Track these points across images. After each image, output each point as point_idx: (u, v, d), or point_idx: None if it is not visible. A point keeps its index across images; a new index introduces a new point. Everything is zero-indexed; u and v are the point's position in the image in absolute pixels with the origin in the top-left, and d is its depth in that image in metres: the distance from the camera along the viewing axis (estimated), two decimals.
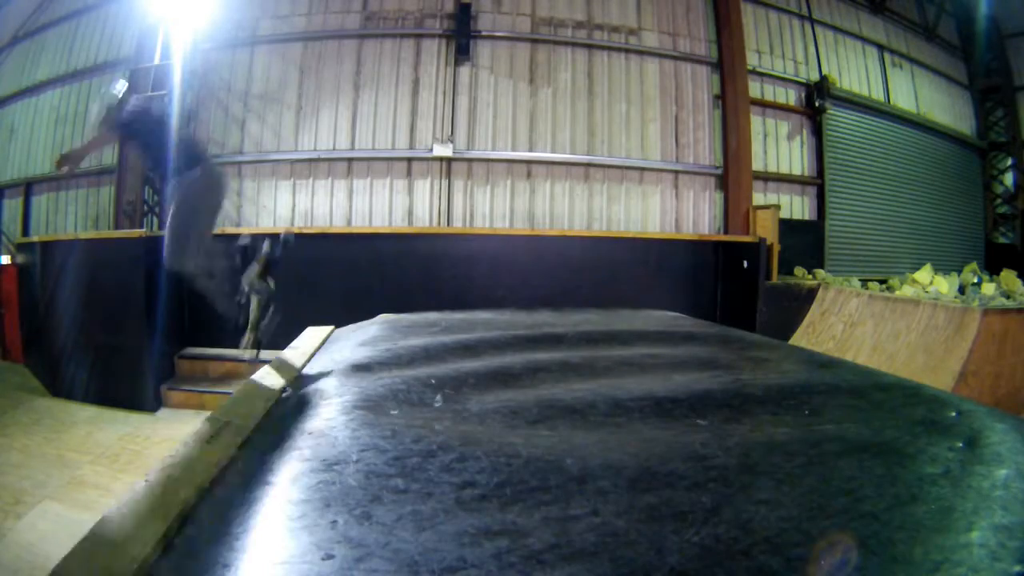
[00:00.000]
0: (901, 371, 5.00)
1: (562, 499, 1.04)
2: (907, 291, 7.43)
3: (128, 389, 6.66)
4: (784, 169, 9.70)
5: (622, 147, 8.87)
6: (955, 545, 0.89)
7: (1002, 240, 11.68)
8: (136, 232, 7.11)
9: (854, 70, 10.48)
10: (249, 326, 2.71)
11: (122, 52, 8.80)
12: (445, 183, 8.52)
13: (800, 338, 7.19)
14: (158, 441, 5.66)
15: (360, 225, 8.33)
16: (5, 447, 5.39)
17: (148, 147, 2.51)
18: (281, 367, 2.25)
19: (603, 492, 1.06)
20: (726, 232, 8.93)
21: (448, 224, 8.43)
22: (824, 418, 1.46)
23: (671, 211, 9.02)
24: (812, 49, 10.01)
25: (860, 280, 8.55)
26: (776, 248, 8.28)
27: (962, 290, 7.92)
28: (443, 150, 8.35)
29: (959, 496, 1.03)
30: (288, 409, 1.66)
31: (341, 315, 3.67)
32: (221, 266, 2.60)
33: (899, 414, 1.48)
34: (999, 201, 11.80)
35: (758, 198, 9.12)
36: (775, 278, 8.16)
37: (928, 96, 11.29)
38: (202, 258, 2.46)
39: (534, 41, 8.78)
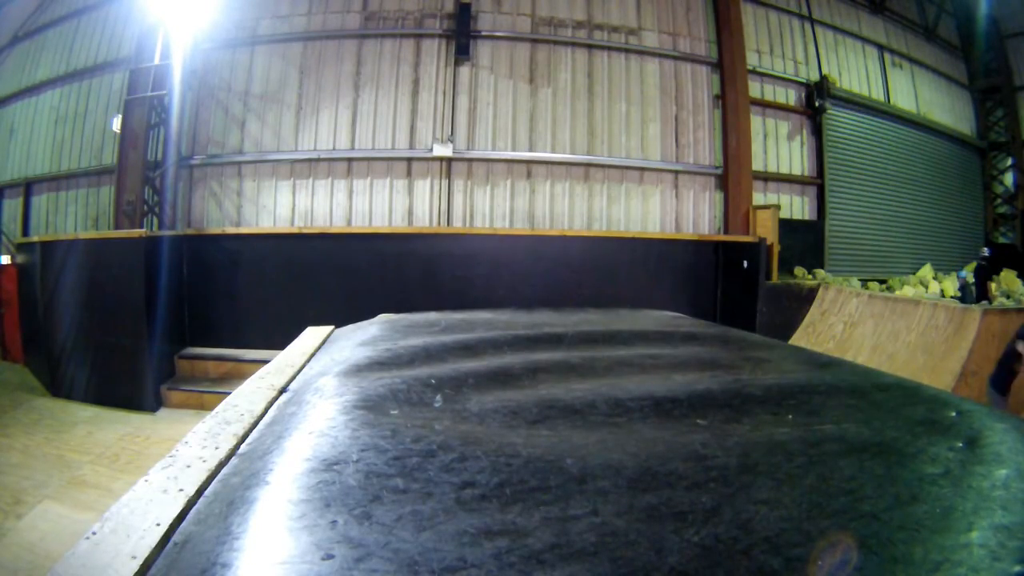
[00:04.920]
0: (901, 371, 5.00)
1: (562, 499, 1.04)
2: (907, 291, 7.43)
3: (128, 389, 6.66)
4: (784, 169, 9.70)
5: (622, 147, 8.87)
6: (955, 545, 0.89)
7: (1002, 240, 11.68)
8: (136, 232, 7.11)
9: (854, 70, 10.48)
10: None
11: (122, 52, 8.81)
12: (445, 183, 8.52)
13: (800, 338, 7.20)
14: (158, 441, 5.67)
15: (360, 225, 8.34)
16: (5, 447, 5.39)
17: None
18: (281, 367, 2.25)
19: (603, 492, 1.06)
20: (726, 232, 8.93)
21: (448, 224, 8.43)
22: (824, 418, 1.46)
23: (671, 211, 9.03)
24: (812, 49, 10.02)
25: (860, 280, 8.56)
26: (776, 248, 8.28)
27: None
28: (443, 150, 8.35)
29: (959, 496, 1.03)
30: (288, 409, 1.66)
31: (341, 315, 3.67)
32: None
33: (899, 414, 1.47)
34: (999, 201, 11.80)
35: (758, 198, 9.12)
36: (775, 278, 8.16)
37: (928, 96, 11.29)
38: None
39: (534, 41, 8.78)
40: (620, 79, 8.93)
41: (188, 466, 1.29)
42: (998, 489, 1.04)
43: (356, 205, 8.45)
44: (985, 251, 8.12)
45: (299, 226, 8.31)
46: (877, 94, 10.67)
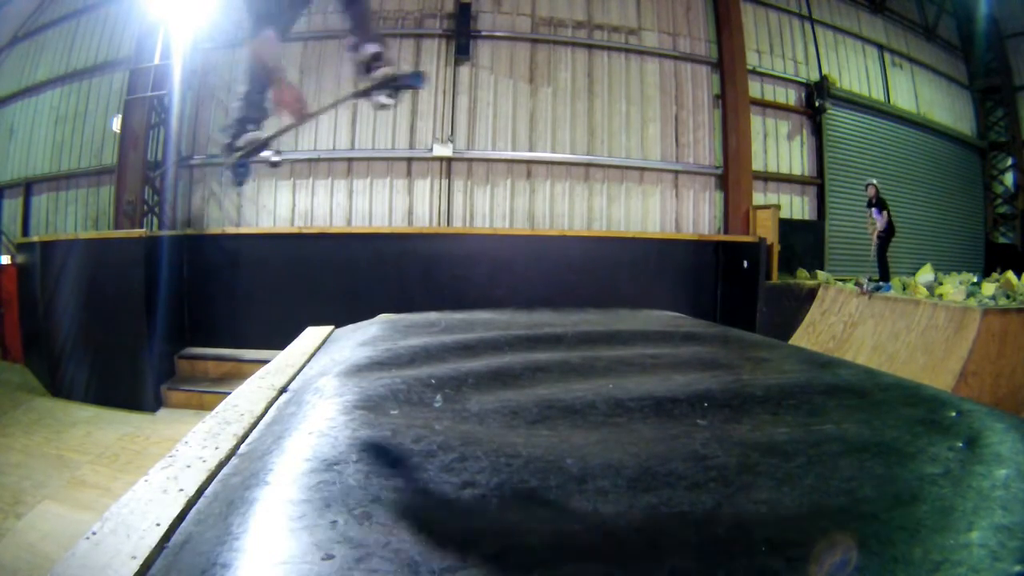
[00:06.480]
0: (901, 371, 5.00)
1: (562, 499, 1.04)
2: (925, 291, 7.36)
3: (128, 389, 6.66)
4: (784, 169, 9.69)
5: (622, 147, 8.87)
6: (955, 545, 0.89)
7: (1002, 240, 11.68)
8: (136, 232, 7.11)
9: (854, 70, 10.48)
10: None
11: (122, 52, 8.80)
12: (445, 183, 8.52)
13: (800, 338, 7.19)
14: (158, 441, 5.66)
15: (360, 225, 8.33)
16: (5, 447, 5.39)
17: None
18: (281, 367, 2.25)
19: (603, 492, 1.06)
20: (726, 232, 8.93)
21: (448, 224, 8.43)
22: (824, 418, 1.46)
23: (671, 211, 9.02)
24: (812, 49, 10.01)
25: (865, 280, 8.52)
26: (776, 248, 8.28)
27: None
28: (443, 150, 8.35)
29: (959, 496, 1.03)
30: (288, 409, 1.66)
31: (341, 315, 3.67)
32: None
33: (899, 414, 1.48)
34: (999, 201, 11.79)
35: (758, 198, 9.11)
36: (775, 278, 8.15)
37: (928, 96, 11.28)
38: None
39: (534, 41, 8.78)
40: (620, 79, 8.92)
41: (188, 466, 1.29)
42: (998, 489, 1.04)
43: (356, 205, 8.45)
44: (873, 181, 7.64)
45: (299, 226, 8.30)
46: (877, 94, 10.67)
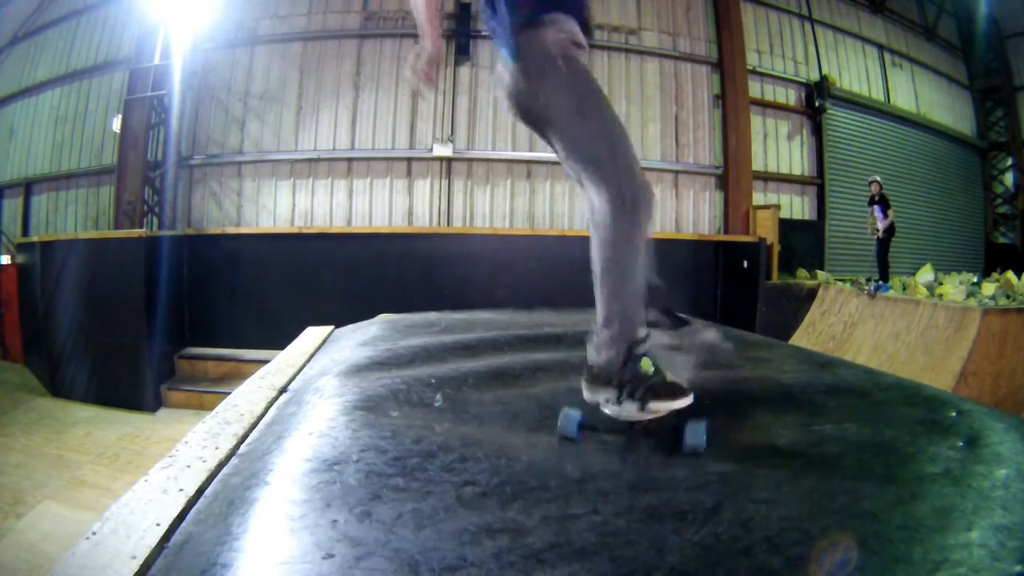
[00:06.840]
0: (901, 371, 5.00)
1: (562, 498, 1.04)
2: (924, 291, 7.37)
3: (128, 389, 6.66)
4: (784, 169, 9.69)
5: None
6: (955, 545, 0.89)
7: (1002, 240, 11.67)
8: (136, 232, 7.11)
9: (854, 70, 10.47)
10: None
11: (122, 52, 8.80)
12: (445, 183, 8.52)
13: (800, 338, 7.19)
14: (158, 441, 5.66)
15: (360, 225, 8.33)
16: (5, 447, 5.39)
17: None
18: (281, 367, 2.25)
19: (603, 492, 1.06)
20: (726, 232, 8.92)
21: (448, 224, 8.42)
22: (824, 418, 1.46)
23: (671, 211, 9.02)
24: (812, 49, 10.01)
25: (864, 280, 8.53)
26: (776, 248, 8.28)
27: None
28: (443, 150, 8.35)
29: (959, 496, 1.03)
30: (288, 409, 1.66)
31: (341, 315, 3.67)
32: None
33: (899, 414, 1.48)
34: (999, 201, 11.79)
35: (758, 198, 9.11)
36: (775, 278, 8.15)
37: (928, 96, 11.28)
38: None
39: None
40: (620, 79, 8.92)
41: (188, 466, 1.29)
42: (998, 489, 1.04)
43: (356, 205, 8.45)
44: (877, 178, 7.84)
45: (299, 226, 8.30)
46: (877, 94, 10.67)
